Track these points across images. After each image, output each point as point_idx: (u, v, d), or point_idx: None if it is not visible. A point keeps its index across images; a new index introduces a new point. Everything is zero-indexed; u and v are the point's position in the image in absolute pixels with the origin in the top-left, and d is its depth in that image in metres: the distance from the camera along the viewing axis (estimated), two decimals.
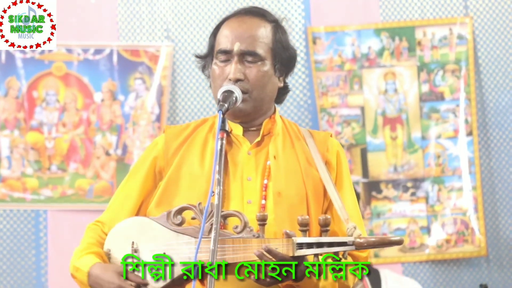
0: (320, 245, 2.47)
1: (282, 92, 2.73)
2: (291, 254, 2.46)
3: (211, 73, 2.65)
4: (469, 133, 4.85)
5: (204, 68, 2.74)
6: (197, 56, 2.73)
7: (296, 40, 4.89)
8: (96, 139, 4.74)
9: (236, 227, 2.49)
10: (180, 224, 2.48)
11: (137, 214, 2.63)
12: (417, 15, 4.92)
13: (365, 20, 4.90)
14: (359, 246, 2.46)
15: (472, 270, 4.83)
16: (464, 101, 4.87)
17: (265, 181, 2.64)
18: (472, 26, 4.90)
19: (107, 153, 4.74)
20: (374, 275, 4.36)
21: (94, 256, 2.53)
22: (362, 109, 4.86)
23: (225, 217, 2.49)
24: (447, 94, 4.88)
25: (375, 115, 4.87)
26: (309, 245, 2.47)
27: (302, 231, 2.48)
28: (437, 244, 4.78)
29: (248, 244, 2.47)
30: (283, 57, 2.69)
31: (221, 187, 2.39)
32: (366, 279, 4.03)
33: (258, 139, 2.67)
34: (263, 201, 2.62)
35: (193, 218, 2.50)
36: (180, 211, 2.49)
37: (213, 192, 2.46)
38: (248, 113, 2.63)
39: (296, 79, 4.87)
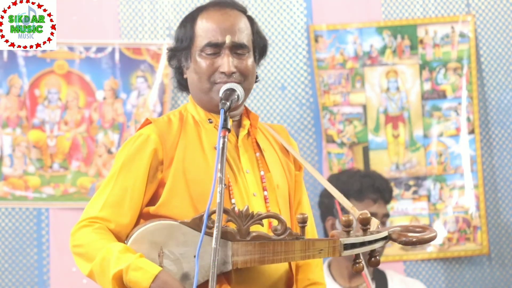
0: (363, 244, 2.48)
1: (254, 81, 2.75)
2: (337, 255, 2.47)
3: (194, 66, 2.64)
4: (471, 131, 4.85)
5: (171, 59, 2.73)
6: (170, 49, 2.73)
7: (298, 38, 4.88)
8: (98, 137, 4.74)
9: (276, 229, 2.48)
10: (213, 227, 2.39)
11: (141, 207, 2.60)
12: (419, 13, 4.91)
13: (367, 18, 4.90)
14: (403, 243, 2.50)
15: (474, 268, 4.83)
16: (466, 99, 4.86)
17: (262, 173, 2.66)
18: (474, 24, 4.90)
19: (109, 151, 4.74)
20: (380, 277, 4.35)
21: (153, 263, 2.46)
22: (364, 107, 4.86)
23: (262, 218, 2.48)
24: (449, 92, 4.88)
25: (377, 113, 4.86)
26: (353, 245, 2.48)
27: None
28: (439, 243, 4.78)
29: (291, 247, 2.46)
30: (261, 47, 2.72)
31: (224, 184, 2.40)
32: (369, 280, 4.02)
33: (245, 132, 2.69)
34: (265, 193, 2.64)
35: (228, 221, 2.47)
36: (212, 213, 2.40)
37: (226, 185, 2.48)
38: (238, 105, 2.65)
39: (298, 77, 4.87)
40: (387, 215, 4.31)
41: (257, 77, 2.74)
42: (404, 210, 4.82)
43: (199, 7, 2.71)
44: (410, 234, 2.52)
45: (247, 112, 2.75)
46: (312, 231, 2.78)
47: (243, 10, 2.71)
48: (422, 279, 4.78)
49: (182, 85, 2.75)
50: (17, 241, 4.68)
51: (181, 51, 2.68)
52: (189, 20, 2.69)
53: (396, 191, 4.81)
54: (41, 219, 4.69)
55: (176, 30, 2.72)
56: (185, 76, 2.70)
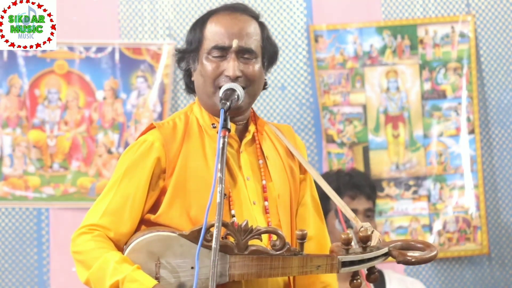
0: (362, 261, 2.48)
1: (263, 88, 2.73)
2: (335, 272, 2.47)
3: (200, 68, 2.63)
4: (471, 131, 4.84)
5: (180, 61, 2.72)
6: (179, 51, 2.72)
7: (298, 38, 4.88)
8: (98, 137, 4.74)
9: (275, 244, 2.48)
10: (211, 240, 2.37)
11: (142, 215, 2.60)
12: (419, 13, 4.91)
13: (367, 18, 4.89)
14: (402, 263, 2.50)
15: (474, 268, 4.83)
16: (466, 99, 4.86)
17: (264, 182, 2.64)
18: (474, 24, 4.90)
19: (109, 151, 4.74)
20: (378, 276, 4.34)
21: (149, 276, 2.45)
22: (364, 107, 4.86)
23: (261, 233, 2.47)
24: (449, 92, 4.88)
25: (377, 113, 4.86)
26: (352, 262, 2.48)
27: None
28: (439, 242, 4.78)
29: (288, 262, 2.46)
30: (270, 54, 2.70)
31: (224, 186, 2.39)
32: None
33: (250, 137, 2.67)
34: (266, 203, 2.63)
35: (227, 235, 2.47)
36: (211, 227, 2.39)
37: (226, 194, 2.47)
38: (243, 110, 2.64)
39: (298, 77, 4.86)
40: (370, 210, 4.27)
41: (266, 84, 2.72)
42: (404, 210, 4.82)
43: (210, 11, 2.70)
44: (409, 254, 2.51)
45: (254, 117, 2.73)
46: (321, 231, 2.77)
47: (254, 16, 2.69)
48: (422, 279, 4.78)
49: (190, 87, 2.74)
50: (17, 241, 4.67)
51: (189, 53, 2.68)
52: (199, 23, 2.68)
53: (396, 191, 4.81)
54: (41, 219, 4.69)
55: (187, 33, 2.72)
56: (192, 78, 2.70)
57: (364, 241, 2.48)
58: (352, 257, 2.46)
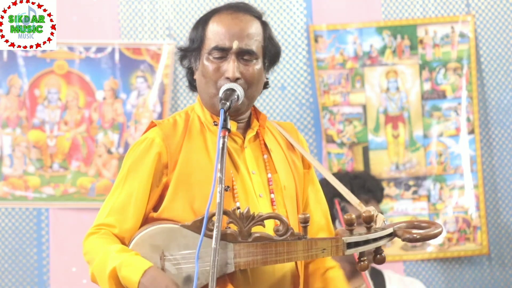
0: (367, 242, 2.47)
1: (264, 87, 2.73)
2: (341, 254, 2.47)
3: (201, 68, 2.64)
4: (471, 131, 4.85)
5: (183, 59, 2.73)
6: (181, 49, 2.73)
7: (298, 38, 4.88)
8: (98, 138, 4.74)
9: (278, 230, 2.48)
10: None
11: (145, 212, 2.61)
12: (419, 13, 4.91)
13: (367, 18, 4.90)
14: (407, 240, 2.50)
15: (474, 268, 4.83)
16: (466, 99, 4.86)
17: (269, 175, 2.65)
18: (474, 24, 4.90)
19: (109, 152, 4.74)
20: (377, 276, 4.34)
21: (144, 259, 2.47)
22: (364, 107, 4.86)
23: (263, 219, 2.48)
24: (449, 92, 4.88)
25: (377, 113, 4.86)
26: (357, 243, 2.48)
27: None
28: (439, 243, 4.78)
29: (293, 247, 2.46)
30: (272, 54, 2.70)
31: (227, 186, 2.39)
32: (369, 280, 4.01)
33: (253, 133, 2.68)
34: (272, 195, 2.64)
35: (229, 223, 2.47)
36: (213, 216, 2.39)
37: (229, 186, 2.48)
38: (242, 111, 2.65)
39: (298, 78, 4.87)
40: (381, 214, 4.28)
41: (267, 84, 2.73)
42: (404, 210, 4.82)
43: (213, 9, 2.70)
44: (414, 231, 2.51)
45: (256, 113, 2.74)
46: (329, 225, 2.78)
47: (257, 15, 2.69)
48: (422, 279, 4.78)
49: (193, 85, 2.75)
50: (17, 241, 4.68)
51: (191, 51, 2.68)
52: (202, 22, 2.69)
53: (396, 191, 4.81)
54: (41, 219, 4.69)
55: (190, 30, 2.73)
56: (194, 77, 2.71)
57: (367, 221, 2.48)
58: (357, 238, 2.46)
